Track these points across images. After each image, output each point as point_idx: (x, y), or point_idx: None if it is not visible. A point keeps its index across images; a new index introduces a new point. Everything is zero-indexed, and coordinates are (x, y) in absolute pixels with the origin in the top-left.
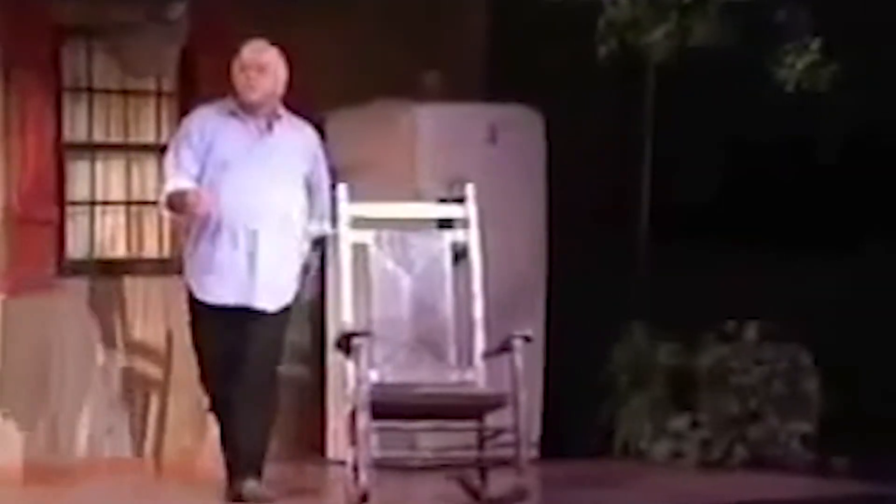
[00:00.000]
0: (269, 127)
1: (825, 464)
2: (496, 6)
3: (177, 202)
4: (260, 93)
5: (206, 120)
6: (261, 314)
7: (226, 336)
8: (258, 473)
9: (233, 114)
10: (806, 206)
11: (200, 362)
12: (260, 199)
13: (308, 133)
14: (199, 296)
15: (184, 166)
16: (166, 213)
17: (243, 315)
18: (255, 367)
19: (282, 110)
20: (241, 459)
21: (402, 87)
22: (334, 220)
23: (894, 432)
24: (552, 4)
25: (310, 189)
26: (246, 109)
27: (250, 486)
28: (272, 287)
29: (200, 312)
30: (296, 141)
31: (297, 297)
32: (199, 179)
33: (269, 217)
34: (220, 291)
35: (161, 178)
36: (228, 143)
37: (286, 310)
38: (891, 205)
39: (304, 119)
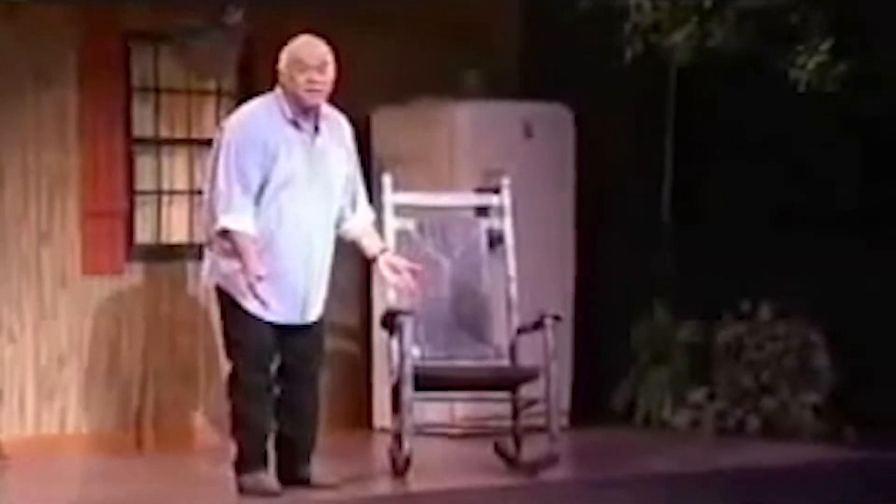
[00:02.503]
0: (317, 129)
1: (834, 433)
2: (530, 12)
3: (230, 249)
4: (323, 94)
5: (266, 129)
6: (309, 325)
7: (272, 347)
8: (309, 460)
9: (290, 121)
10: (818, 191)
11: (240, 366)
12: (316, 212)
13: (343, 124)
14: (259, 313)
15: (245, 191)
16: (223, 243)
17: (294, 329)
18: (309, 370)
19: (324, 105)
20: (296, 447)
21: (443, 85)
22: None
23: None
24: (582, 9)
25: (349, 181)
26: (302, 112)
27: (317, 471)
28: (320, 299)
29: (252, 326)
30: (338, 140)
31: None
32: (258, 196)
33: (322, 229)
34: (279, 308)
35: (218, 191)
36: (290, 155)
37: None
38: None
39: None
